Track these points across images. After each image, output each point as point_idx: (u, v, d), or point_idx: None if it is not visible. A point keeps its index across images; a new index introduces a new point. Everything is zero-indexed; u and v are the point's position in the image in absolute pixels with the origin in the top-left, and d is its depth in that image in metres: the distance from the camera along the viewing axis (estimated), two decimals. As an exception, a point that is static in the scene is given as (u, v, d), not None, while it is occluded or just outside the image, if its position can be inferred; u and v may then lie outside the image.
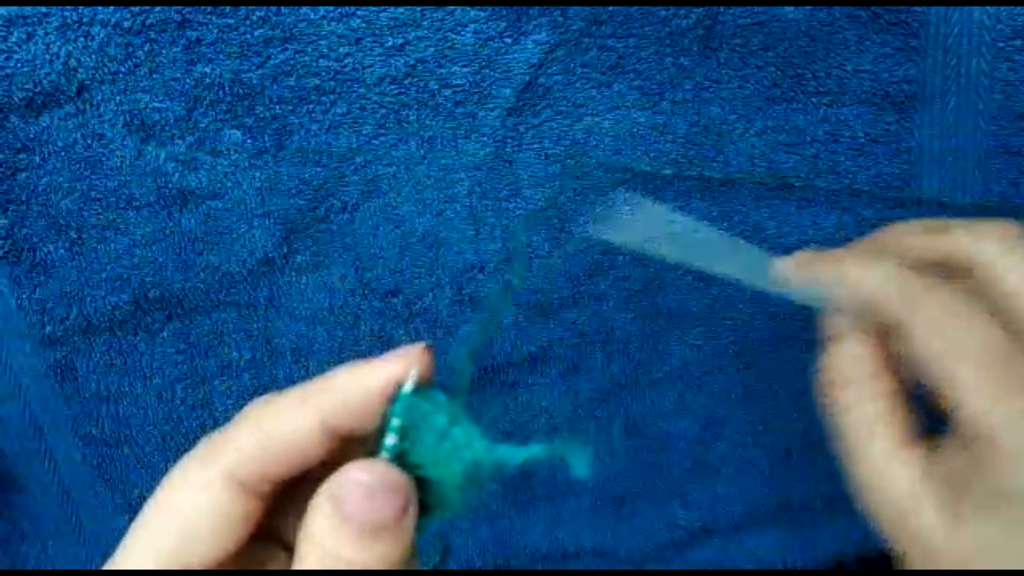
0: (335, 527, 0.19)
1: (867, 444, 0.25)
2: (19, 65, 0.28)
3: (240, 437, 0.22)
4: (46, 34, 0.28)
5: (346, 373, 0.22)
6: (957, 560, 0.22)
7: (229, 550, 0.22)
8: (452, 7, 0.29)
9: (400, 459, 0.21)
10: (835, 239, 0.33)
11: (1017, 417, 0.22)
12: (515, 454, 0.21)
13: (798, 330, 0.35)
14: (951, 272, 0.25)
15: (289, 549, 0.23)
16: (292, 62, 0.30)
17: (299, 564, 0.20)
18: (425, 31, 0.30)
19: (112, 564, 0.22)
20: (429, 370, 0.22)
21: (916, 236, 0.27)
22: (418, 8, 0.29)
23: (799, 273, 0.28)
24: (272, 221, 0.32)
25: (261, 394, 0.27)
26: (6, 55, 0.28)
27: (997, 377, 0.22)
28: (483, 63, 0.30)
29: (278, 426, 0.21)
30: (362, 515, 0.19)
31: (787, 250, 0.33)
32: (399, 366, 0.21)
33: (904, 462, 0.24)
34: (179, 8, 0.28)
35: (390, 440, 0.21)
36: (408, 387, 0.21)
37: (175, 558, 0.21)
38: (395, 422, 0.21)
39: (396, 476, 0.20)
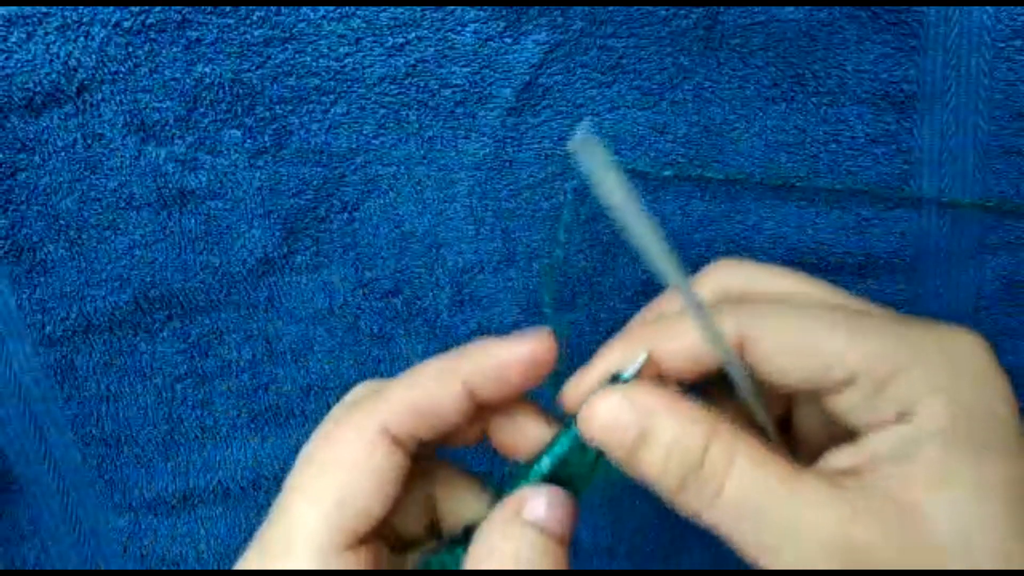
0: (526, 535, 0.22)
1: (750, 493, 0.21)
2: (19, 65, 0.28)
3: (393, 395, 0.23)
4: (46, 34, 0.28)
5: (487, 347, 0.24)
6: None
7: (383, 511, 0.23)
8: (452, 7, 0.29)
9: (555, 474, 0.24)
10: (835, 239, 0.33)
11: (884, 345, 0.21)
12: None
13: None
14: None
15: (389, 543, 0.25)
16: (292, 62, 0.30)
17: (479, 564, 0.22)
18: (425, 31, 0.30)
19: (274, 529, 0.22)
20: (552, 354, 0.24)
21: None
22: (418, 8, 0.29)
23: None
24: (272, 221, 0.32)
25: (261, 394, 0.28)
26: (6, 55, 0.28)
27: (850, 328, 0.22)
28: (483, 63, 0.30)
29: (428, 388, 0.23)
30: (550, 524, 0.23)
31: (788, 250, 0.34)
32: (533, 344, 0.24)
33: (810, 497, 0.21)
34: (179, 8, 0.28)
35: (546, 464, 0.24)
36: (633, 369, 0.23)
37: (339, 519, 0.22)
38: (559, 449, 0.24)
39: (568, 496, 0.24)
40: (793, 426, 0.26)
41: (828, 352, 0.22)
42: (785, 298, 0.25)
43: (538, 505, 0.23)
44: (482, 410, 0.25)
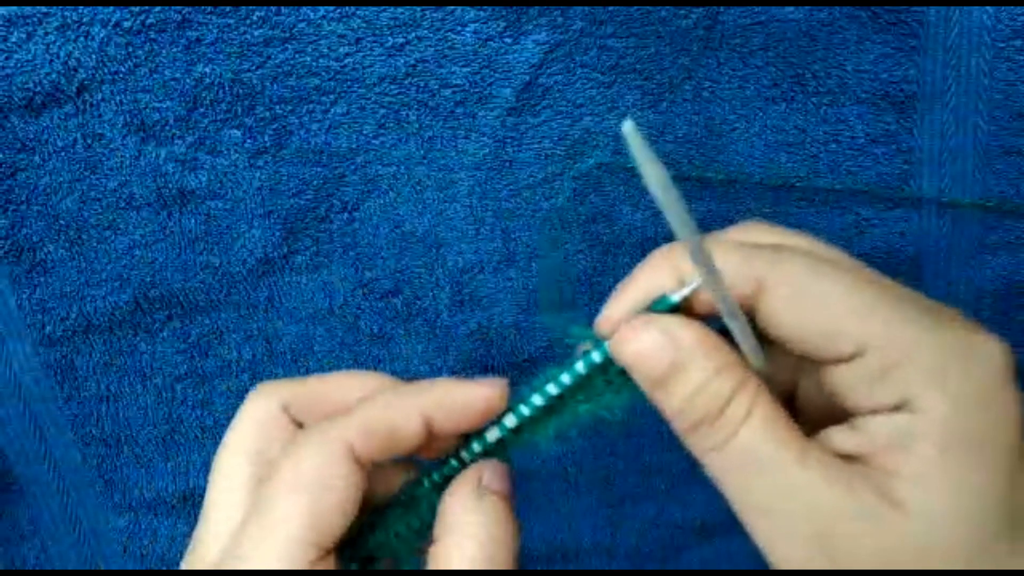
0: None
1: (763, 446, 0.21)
2: (19, 65, 0.28)
3: (358, 417, 0.24)
4: (46, 34, 0.28)
5: (447, 386, 0.25)
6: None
7: (346, 525, 0.23)
8: (452, 7, 0.29)
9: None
10: (835, 239, 0.33)
11: (927, 336, 0.21)
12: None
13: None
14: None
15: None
16: (292, 62, 0.30)
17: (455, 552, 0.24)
18: (425, 31, 0.30)
19: (247, 540, 0.22)
20: (504, 401, 0.25)
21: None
22: (418, 8, 0.29)
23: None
24: (272, 221, 0.32)
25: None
26: (6, 55, 0.28)
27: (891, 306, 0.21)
28: (483, 63, 0.30)
29: (391, 413, 0.24)
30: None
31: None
32: (488, 391, 0.25)
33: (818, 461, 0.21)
34: (179, 8, 0.28)
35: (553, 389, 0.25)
36: (681, 295, 0.23)
37: (310, 535, 0.22)
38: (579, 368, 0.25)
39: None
40: (796, 399, 0.26)
41: (842, 315, 0.21)
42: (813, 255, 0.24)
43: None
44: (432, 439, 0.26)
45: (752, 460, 0.21)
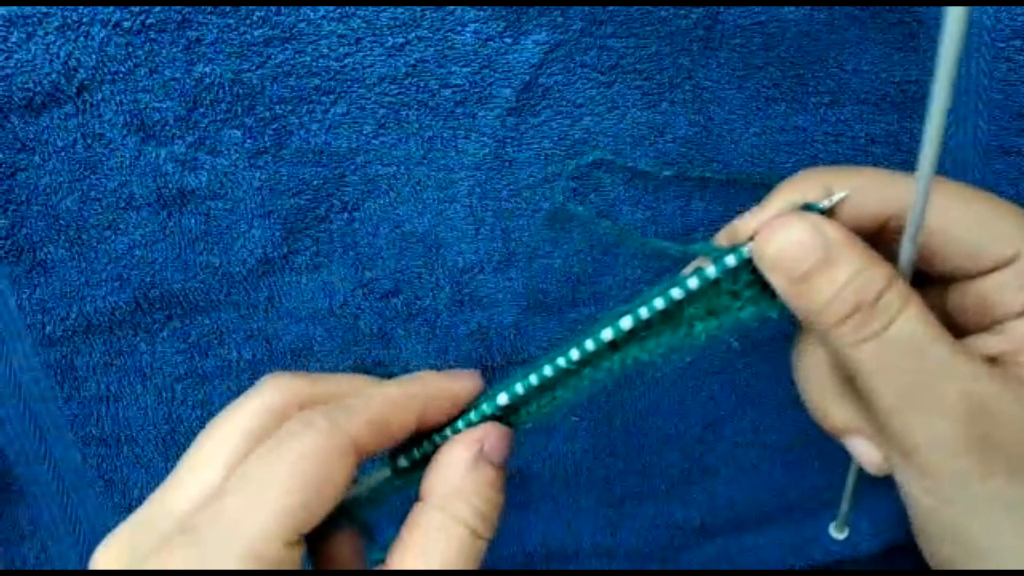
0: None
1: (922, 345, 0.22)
2: (19, 65, 0.28)
3: (364, 412, 0.25)
4: (46, 34, 0.28)
5: (439, 379, 0.27)
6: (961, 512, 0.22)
7: (327, 511, 0.24)
8: (452, 7, 0.29)
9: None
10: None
11: None
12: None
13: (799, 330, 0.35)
14: None
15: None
16: (292, 62, 0.30)
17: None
18: (425, 31, 0.30)
19: (230, 517, 0.22)
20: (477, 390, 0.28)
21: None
22: (418, 8, 0.29)
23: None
24: (272, 221, 0.32)
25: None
26: (6, 55, 0.28)
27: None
28: (483, 63, 0.30)
29: (394, 410, 0.25)
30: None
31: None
32: (472, 381, 0.27)
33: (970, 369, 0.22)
34: (179, 8, 0.28)
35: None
36: (829, 202, 0.24)
37: (297, 520, 0.22)
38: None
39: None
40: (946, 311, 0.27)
41: (1003, 222, 0.23)
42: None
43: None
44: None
45: (911, 348, 0.22)
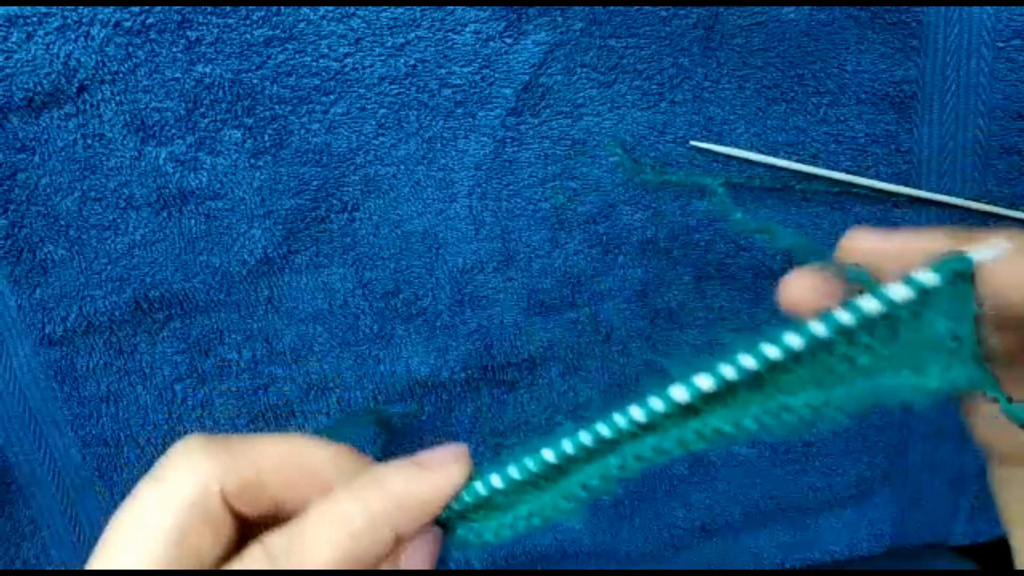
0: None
1: None
2: (19, 65, 0.28)
3: (366, 504, 0.22)
4: (46, 34, 0.28)
5: (406, 480, 0.23)
6: None
7: None
8: (452, 7, 0.29)
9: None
10: (834, 239, 0.33)
11: None
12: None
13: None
14: None
15: None
16: (292, 62, 0.30)
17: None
18: (425, 31, 0.30)
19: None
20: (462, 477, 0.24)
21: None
22: (418, 8, 0.29)
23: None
24: (272, 221, 0.32)
25: (261, 394, 0.27)
26: (6, 55, 0.28)
27: None
28: (483, 63, 0.30)
29: (360, 543, 0.22)
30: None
31: (784, 250, 0.34)
32: (459, 468, 0.23)
33: None
34: (179, 8, 0.28)
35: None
36: (993, 253, 0.19)
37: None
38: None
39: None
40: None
41: None
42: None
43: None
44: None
45: None
